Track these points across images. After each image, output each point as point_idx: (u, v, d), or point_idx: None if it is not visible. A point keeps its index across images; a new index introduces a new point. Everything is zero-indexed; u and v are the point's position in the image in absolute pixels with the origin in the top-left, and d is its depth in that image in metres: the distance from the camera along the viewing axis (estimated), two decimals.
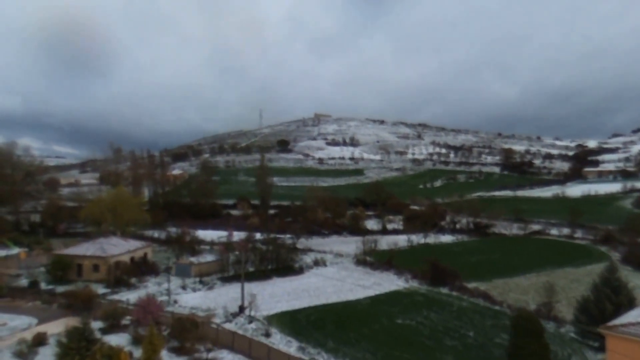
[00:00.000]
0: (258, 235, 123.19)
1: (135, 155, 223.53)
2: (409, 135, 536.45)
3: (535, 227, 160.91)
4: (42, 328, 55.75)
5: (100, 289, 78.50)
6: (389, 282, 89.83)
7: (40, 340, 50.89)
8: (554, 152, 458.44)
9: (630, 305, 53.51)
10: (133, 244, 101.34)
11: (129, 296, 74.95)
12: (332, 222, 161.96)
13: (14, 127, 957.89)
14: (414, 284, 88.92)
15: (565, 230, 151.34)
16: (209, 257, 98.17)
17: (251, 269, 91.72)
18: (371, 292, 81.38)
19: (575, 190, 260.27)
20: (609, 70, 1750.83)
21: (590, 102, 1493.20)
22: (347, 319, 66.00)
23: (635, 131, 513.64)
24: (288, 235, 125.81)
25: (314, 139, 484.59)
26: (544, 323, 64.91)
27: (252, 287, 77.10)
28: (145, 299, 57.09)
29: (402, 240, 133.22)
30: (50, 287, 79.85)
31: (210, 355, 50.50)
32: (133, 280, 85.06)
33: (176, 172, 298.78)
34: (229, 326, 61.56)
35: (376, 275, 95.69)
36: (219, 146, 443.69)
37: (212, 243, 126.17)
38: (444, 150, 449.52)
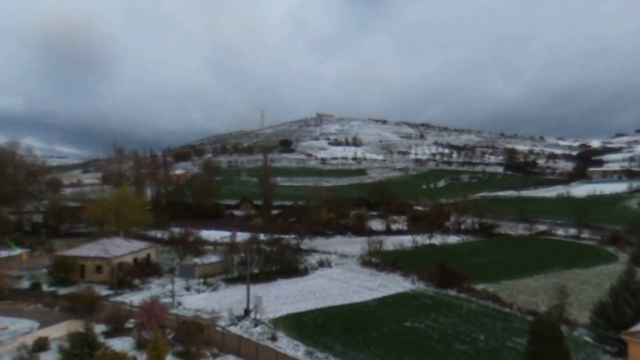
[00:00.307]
0: (261, 236, 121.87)
1: (138, 155, 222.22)
2: (412, 135, 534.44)
3: (541, 227, 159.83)
4: (43, 332, 54.58)
5: (103, 291, 77.39)
6: (395, 284, 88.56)
7: (41, 345, 49.55)
8: (558, 152, 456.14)
9: None
10: (136, 244, 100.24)
11: (133, 298, 73.90)
12: (335, 223, 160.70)
13: (17, 127, 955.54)
14: (420, 286, 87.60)
15: (572, 231, 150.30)
16: (213, 258, 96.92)
17: (255, 271, 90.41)
18: (378, 294, 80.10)
19: (580, 190, 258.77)
20: (613, 69, 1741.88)
21: (593, 101, 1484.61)
22: (355, 322, 64.70)
23: (639, 131, 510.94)
24: (292, 236, 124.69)
25: (317, 139, 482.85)
26: None
27: (256, 289, 75.91)
28: (149, 302, 55.78)
29: (406, 240, 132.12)
30: (52, 288, 78.72)
31: None
32: (136, 281, 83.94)
33: (179, 171, 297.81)
34: (234, 329, 60.35)
35: (382, 277, 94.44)
36: (222, 146, 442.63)
37: (215, 243, 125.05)
38: (446, 150, 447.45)
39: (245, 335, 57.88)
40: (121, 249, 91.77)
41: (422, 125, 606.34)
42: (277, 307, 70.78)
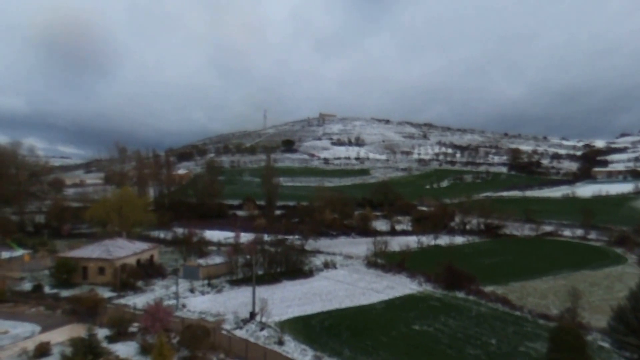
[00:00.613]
0: (265, 237, 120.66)
1: (141, 155, 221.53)
2: (415, 135, 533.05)
3: (547, 228, 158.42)
4: (45, 337, 53.26)
5: (106, 293, 76.19)
6: (402, 286, 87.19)
7: (43, 350, 48.17)
8: (562, 152, 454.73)
9: None
10: (139, 245, 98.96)
11: (136, 300, 72.68)
12: (339, 223, 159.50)
13: (19, 128, 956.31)
14: (428, 288, 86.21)
15: (579, 232, 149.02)
16: (217, 259, 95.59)
17: (260, 272, 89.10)
18: (385, 296, 78.80)
19: (585, 190, 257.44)
20: (617, 69, 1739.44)
21: (597, 101, 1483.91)
22: (363, 325, 63.28)
23: None
24: (296, 237, 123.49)
25: (319, 138, 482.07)
26: None
27: (261, 291, 74.50)
28: (153, 305, 54.45)
29: (411, 241, 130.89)
30: (54, 290, 77.52)
31: None
32: (140, 283, 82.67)
33: (181, 171, 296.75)
34: (239, 333, 59.03)
35: (388, 278, 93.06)
36: (224, 146, 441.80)
37: (219, 244, 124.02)
38: (450, 150, 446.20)
39: (252, 339, 56.55)
40: (124, 250, 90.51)
41: (425, 125, 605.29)
42: (282, 310, 69.40)
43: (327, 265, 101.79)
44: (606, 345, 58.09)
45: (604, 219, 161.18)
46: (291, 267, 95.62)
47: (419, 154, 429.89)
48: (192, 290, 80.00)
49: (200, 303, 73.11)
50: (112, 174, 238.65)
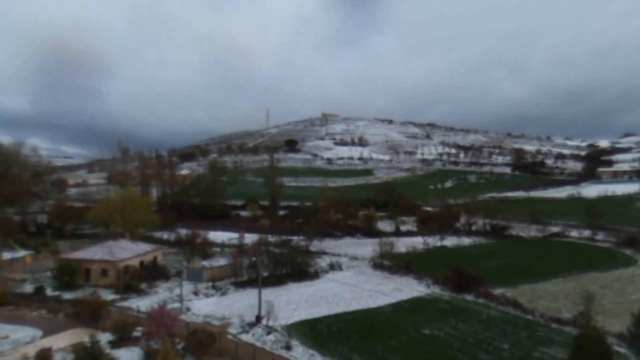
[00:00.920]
0: (269, 237, 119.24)
1: (143, 155, 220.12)
2: (418, 135, 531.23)
3: (554, 229, 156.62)
4: (46, 342, 51.85)
5: (109, 295, 74.96)
6: (409, 288, 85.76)
7: (44, 357, 46.43)
8: (566, 152, 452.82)
9: None
10: (142, 247, 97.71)
11: (140, 303, 71.53)
12: (344, 224, 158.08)
13: (23, 128, 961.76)
14: (436, 290, 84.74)
15: (586, 232, 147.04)
16: (221, 261, 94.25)
17: (265, 274, 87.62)
18: (392, 299, 77.37)
19: (590, 190, 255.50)
20: (621, 68, 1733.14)
21: (601, 101, 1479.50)
22: (371, 329, 61.87)
23: None
24: (300, 237, 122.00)
25: (322, 138, 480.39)
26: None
27: (267, 294, 72.94)
28: (157, 309, 52.99)
29: (417, 242, 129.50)
30: (56, 293, 76.32)
31: None
32: (143, 285, 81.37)
33: (184, 172, 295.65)
34: (245, 337, 57.70)
35: (395, 280, 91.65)
36: (227, 146, 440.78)
37: (222, 245, 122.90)
38: (453, 150, 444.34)
39: (258, 344, 55.20)
40: (127, 251, 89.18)
41: (428, 125, 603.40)
42: (289, 313, 67.97)
43: (332, 267, 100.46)
44: (622, 350, 56.61)
45: (611, 219, 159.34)
46: (296, 268, 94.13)
47: (422, 154, 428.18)
48: (196, 293, 78.65)
49: (205, 306, 71.79)
50: (114, 174, 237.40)
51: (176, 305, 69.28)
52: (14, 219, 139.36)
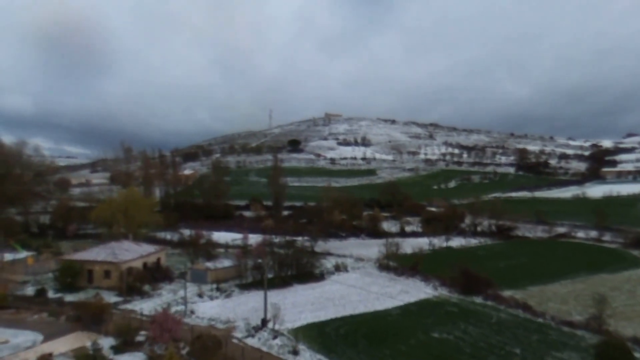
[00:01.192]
0: (274, 238, 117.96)
1: (146, 155, 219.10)
2: (421, 135, 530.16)
3: (560, 229, 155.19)
4: (47, 347, 50.54)
5: (112, 298, 73.63)
6: (416, 290, 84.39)
7: None
8: (569, 152, 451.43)
9: None
10: (146, 248, 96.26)
11: (143, 305, 70.29)
12: (348, 224, 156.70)
13: (26, 127, 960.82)
14: (443, 292, 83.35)
15: (592, 233, 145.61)
16: (225, 262, 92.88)
17: (270, 276, 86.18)
18: (400, 302, 75.88)
19: (595, 191, 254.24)
20: (623, 68, 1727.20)
21: (603, 101, 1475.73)
22: (379, 333, 60.50)
23: None
24: (305, 238, 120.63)
25: (325, 138, 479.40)
26: (595, 338, 59.57)
27: (272, 296, 71.55)
28: (161, 313, 51.75)
29: (422, 243, 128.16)
30: (58, 295, 74.89)
31: None
32: (146, 287, 79.89)
33: (187, 172, 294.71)
34: (251, 342, 56.38)
35: (402, 282, 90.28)
36: (230, 146, 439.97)
37: (226, 246, 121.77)
38: (456, 151, 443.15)
39: (264, 349, 53.92)
40: (130, 253, 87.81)
41: (431, 125, 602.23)
42: (295, 316, 66.54)
43: (338, 268, 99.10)
44: (636, 355, 55.27)
45: (617, 220, 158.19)
46: (302, 270, 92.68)
47: (426, 154, 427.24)
48: (200, 295, 77.31)
49: (209, 309, 70.44)
50: (117, 174, 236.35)
51: (180, 308, 68.05)
52: (16, 219, 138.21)
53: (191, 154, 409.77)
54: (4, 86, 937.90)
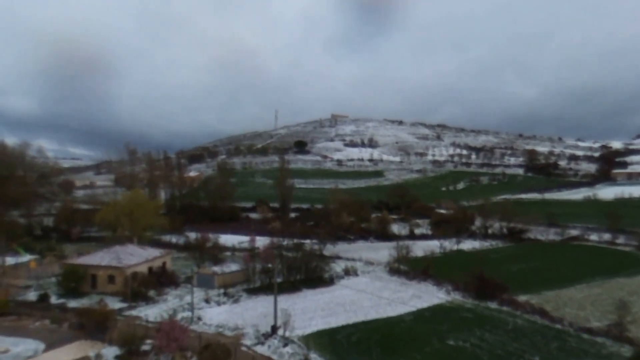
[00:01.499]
0: (281, 241, 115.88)
1: (151, 156, 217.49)
2: (428, 136, 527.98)
3: (573, 232, 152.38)
4: (49, 356, 48.62)
5: (116, 303, 71.59)
6: (429, 295, 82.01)
7: None
8: (578, 153, 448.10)
9: None
10: (151, 252, 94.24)
11: (148, 311, 68.23)
12: (357, 227, 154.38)
13: (30, 129, 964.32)
14: (457, 297, 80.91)
15: (606, 236, 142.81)
16: (233, 266, 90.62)
17: (278, 280, 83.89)
18: (412, 307, 73.47)
19: (606, 192, 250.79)
20: (632, 69, 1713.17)
21: (612, 101, 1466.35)
22: (393, 340, 58.21)
23: None
24: (313, 241, 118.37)
25: (332, 140, 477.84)
26: (617, 346, 57.32)
27: (281, 301, 69.10)
28: (168, 322, 49.54)
29: (432, 246, 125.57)
30: (61, 300, 72.95)
31: None
32: (152, 293, 77.77)
33: (192, 173, 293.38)
34: (261, 349, 54.18)
35: (413, 287, 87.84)
36: (235, 147, 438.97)
37: (233, 249, 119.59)
38: (464, 152, 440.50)
39: (275, 357, 51.78)
40: (135, 257, 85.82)
41: (439, 126, 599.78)
42: (305, 322, 64.27)
43: (347, 272, 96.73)
44: None
45: (631, 222, 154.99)
46: (311, 274, 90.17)
47: (433, 155, 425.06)
48: (207, 301, 75.08)
49: (217, 315, 68.20)
50: (122, 176, 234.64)
51: (186, 314, 66.02)
52: (19, 221, 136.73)
53: (196, 155, 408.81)
54: (8, 87, 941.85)
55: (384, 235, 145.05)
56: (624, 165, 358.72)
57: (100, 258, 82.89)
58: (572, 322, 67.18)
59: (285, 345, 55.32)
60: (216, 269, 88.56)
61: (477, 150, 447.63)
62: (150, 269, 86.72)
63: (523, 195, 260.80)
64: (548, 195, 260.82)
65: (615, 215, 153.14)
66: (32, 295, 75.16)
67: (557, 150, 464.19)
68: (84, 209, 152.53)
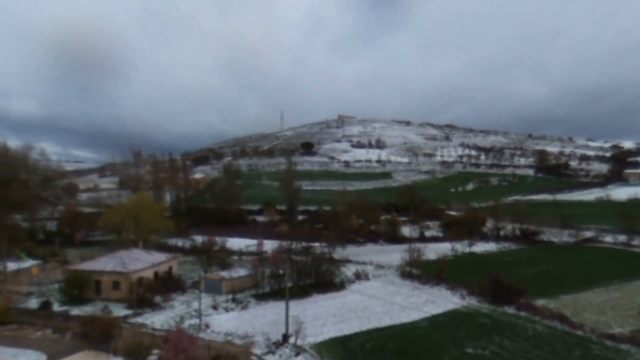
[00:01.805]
0: (289, 244, 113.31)
1: (156, 158, 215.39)
2: (437, 137, 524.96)
3: (587, 233, 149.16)
4: None
5: (121, 310, 69.20)
6: (443, 300, 79.30)
7: None
8: (589, 153, 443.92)
9: None
10: (157, 256, 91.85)
11: (154, 319, 65.76)
12: (366, 229, 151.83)
13: (33, 131, 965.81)
14: (472, 302, 78.16)
15: (621, 238, 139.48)
16: (241, 271, 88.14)
17: (288, 285, 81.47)
18: (427, 313, 70.84)
19: (619, 193, 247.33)
20: None
21: (623, 100, 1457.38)
22: (409, 348, 55.59)
23: None
24: (323, 244, 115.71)
25: (339, 141, 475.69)
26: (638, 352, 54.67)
27: (291, 307, 66.36)
28: (176, 331, 47.03)
29: (444, 248, 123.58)
30: (64, 308, 70.49)
31: None
32: (157, 299, 75.34)
33: (198, 176, 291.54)
34: (272, 359, 51.65)
35: (427, 291, 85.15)
36: (241, 149, 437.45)
37: (240, 253, 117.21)
38: (473, 152, 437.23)
39: None
40: (140, 262, 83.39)
41: (447, 126, 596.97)
42: (317, 330, 61.66)
43: (358, 276, 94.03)
44: None
45: None
46: (321, 278, 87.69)
47: (442, 156, 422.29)
48: (215, 307, 72.58)
49: (225, 322, 65.64)
50: (126, 179, 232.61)
51: (194, 321, 63.62)
52: (22, 225, 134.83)
53: (202, 157, 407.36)
54: (11, 90, 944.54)
55: (394, 238, 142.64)
56: (636, 165, 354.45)
57: (104, 263, 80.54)
58: (594, 327, 64.45)
59: (298, 354, 52.81)
60: (224, 273, 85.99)
61: (486, 150, 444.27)
62: (156, 274, 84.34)
63: (534, 197, 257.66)
64: (559, 196, 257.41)
65: (630, 216, 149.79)
66: (33, 303, 72.80)
67: (567, 150, 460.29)
68: (87, 213, 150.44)
